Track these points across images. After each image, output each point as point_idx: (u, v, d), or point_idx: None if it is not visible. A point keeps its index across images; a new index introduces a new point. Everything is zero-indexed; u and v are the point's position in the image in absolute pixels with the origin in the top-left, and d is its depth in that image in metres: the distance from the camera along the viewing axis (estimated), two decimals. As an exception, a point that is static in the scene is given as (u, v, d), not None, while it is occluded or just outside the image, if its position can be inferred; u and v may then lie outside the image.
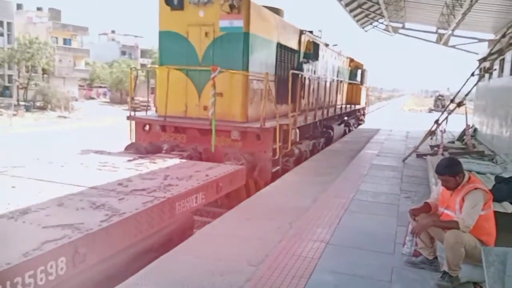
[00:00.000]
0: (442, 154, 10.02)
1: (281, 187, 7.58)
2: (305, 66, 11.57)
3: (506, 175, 7.03)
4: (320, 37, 12.96)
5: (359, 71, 20.17)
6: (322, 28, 14.40)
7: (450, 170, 3.86)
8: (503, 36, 11.21)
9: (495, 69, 13.03)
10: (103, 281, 3.79)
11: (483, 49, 17.37)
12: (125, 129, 9.07)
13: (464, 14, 13.51)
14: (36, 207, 4.06)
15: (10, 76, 39.66)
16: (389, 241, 4.88)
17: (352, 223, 5.51)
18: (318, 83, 12.60)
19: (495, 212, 4.04)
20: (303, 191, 7.21)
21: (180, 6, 8.51)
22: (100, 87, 58.86)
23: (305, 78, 11.30)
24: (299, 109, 9.56)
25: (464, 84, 10.68)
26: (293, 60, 10.73)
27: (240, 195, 7.58)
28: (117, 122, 26.63)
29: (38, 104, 38.70)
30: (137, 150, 7.94)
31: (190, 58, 8.58)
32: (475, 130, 15.97)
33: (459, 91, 11.15)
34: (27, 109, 35.83)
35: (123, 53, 64.92)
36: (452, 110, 10.72)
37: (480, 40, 19.13)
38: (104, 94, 58.68)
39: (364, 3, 18.13)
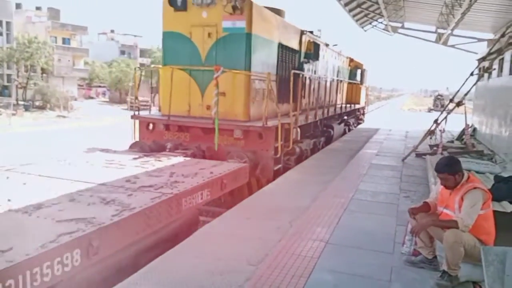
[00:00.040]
0: (442, 154, 10.05)
1: (282, 185, 7.66)
2: (305, 66, 11.67)
3: (505, 175, 7.06)
4: (319, 37, 13.07)
5: (359, 71, 20.28)
6: (322, 28, 14.52)
7: (450, 169, 3.87)
8: (502, 35, 11.30)
9: (494, 69, 13.09)
10: (113, 274, 3.91)
11: (482, 49, 17.43)
12: (125, 128, 9.09)
13: (463, 13, 13.55)
14: (49, 202, 4.17)
15: (9, 75, 39.63)
16: (389, 240, 4.87)
17: (352, 223, 5.52)
18: (319, 83, 12.73)
19: (494, 212, 4.05)
20: (303, 190, 7.24)
21: (184, 7, 8.63)
22: (99, 86, 58.78)
23: (305, 78, 11.41)
24: (300, 109, 9.68)
25: (463, 83, 10.80)
26: (294, 60, 10.85)
27: (243, 193, 7.70)
28: (117, 122, 26.73)
29: (37, 103, 38.68)
30: (141, 148, 8.04)
31: (193, 58, 8.69)
32: (474, 129, 16.00)
33: (458, 90, 11.23)
34: (26, 108, 35.81)
35: (122, 52, 64.88)
36: (451, 110, 10.78)
37: (479, 40, 19.17)
38: (103, 94, 58.54)
39: (363, 2, 18.18)
